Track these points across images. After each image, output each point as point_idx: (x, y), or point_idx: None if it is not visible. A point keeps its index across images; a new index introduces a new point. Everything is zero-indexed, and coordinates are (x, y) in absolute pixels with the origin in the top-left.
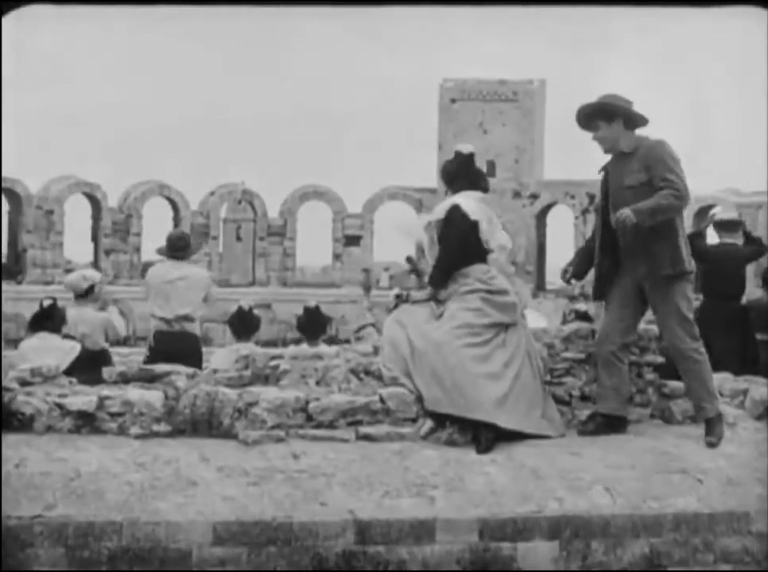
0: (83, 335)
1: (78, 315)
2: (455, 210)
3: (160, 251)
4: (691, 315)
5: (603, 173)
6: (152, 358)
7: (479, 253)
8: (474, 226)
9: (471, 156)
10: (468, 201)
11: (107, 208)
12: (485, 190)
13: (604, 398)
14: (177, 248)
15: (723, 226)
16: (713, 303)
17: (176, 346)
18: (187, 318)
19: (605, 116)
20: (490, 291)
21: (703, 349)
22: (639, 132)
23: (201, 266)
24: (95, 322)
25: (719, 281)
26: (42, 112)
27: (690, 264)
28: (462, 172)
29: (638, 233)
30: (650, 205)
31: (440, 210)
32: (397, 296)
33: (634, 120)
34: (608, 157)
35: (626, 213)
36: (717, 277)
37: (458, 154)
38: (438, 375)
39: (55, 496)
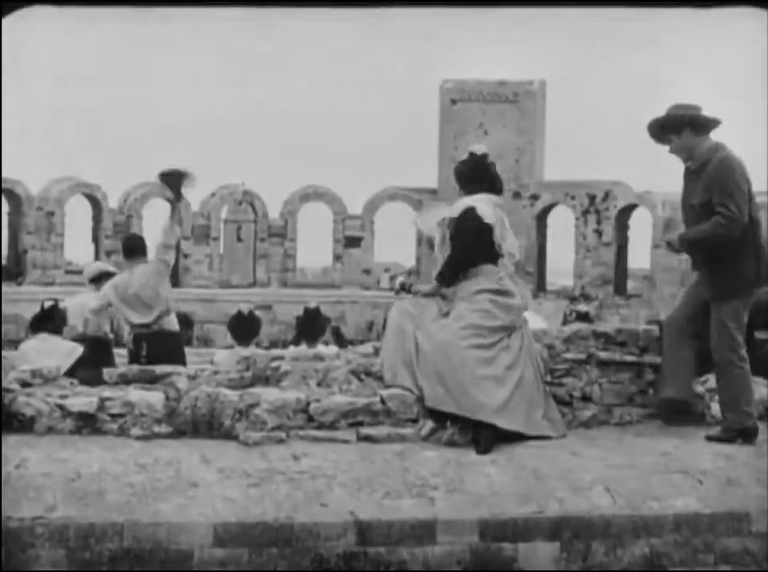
0: (87, 320)
1: (85, 300)
2: (470, 212)
3: (127, 253)
4: (735, 328)
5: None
6: (133, 361)
7: (490, 255)
8: (489, 229)
9: (485, 156)
10: (484, 204)
11: (108, 209)
12: (500, 191)
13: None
14: (139, 247)
15: None
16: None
17: (157, 346)
18: (161, 315)
19: (672, 128)
20: (498, 292)
21: (740, 363)
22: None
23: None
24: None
25: None
26: (42, 112)
27: (752, 281)
28: (476, 174)
29: (693, 255)
30: (696, 235)
31: (455, 209)
32: (402, 285)
33: (703, 125)
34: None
35: (672, 239)
36: None
37: (472, 155)
38: (441, 374)
39: (56, 497)
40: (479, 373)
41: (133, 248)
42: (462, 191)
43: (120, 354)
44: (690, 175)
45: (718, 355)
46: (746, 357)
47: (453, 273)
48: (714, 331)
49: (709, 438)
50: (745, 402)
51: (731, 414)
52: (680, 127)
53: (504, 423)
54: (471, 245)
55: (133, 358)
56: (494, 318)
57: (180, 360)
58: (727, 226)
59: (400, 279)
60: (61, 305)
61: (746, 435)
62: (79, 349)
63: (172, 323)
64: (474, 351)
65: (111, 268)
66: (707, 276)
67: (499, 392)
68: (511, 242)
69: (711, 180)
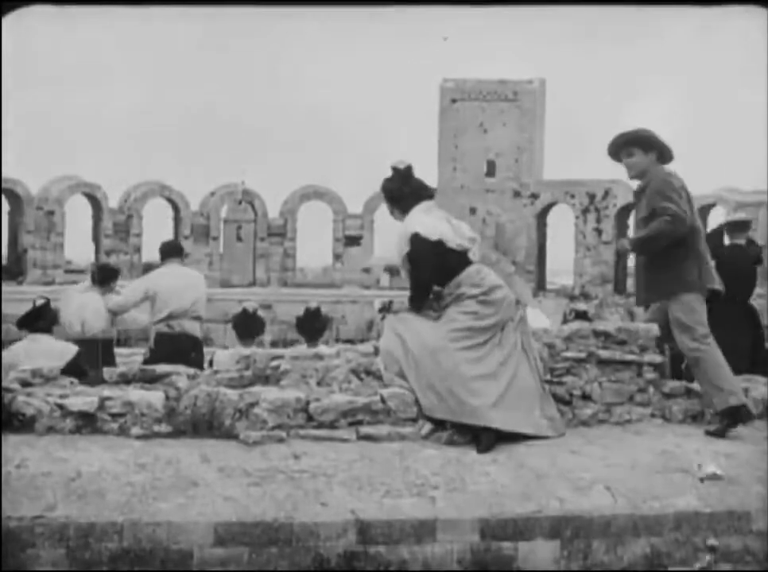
0: (85, 320)
1: (86, 301)
2: (416, 239)
3: (165, 256)
4: (693, 321)
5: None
6: (152, 360)
7: (460, 260)
8: (440, 244)
9: (409, 169)
10: (423, 220)
11: (108, 209)
12: (430, 197)
13: None
14: (176, 250)
15: (735, 227)
16: (724, 302)
17: (176, 348)
18: (185, 314)
19: (644, 145)
20: (485, 293)
21: (704, 345)
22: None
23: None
24: (101, 308)
25: (731, 281)
26: (42, 112)
27: (697, 280)
28: (406, 189)
29: (639, 260)
30: (648, 233)
31: (403, 243)
32: (380, 309)
33: (665, 155)
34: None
35: (622, 242)
36: (728, 277)
37: (396, 170)
38: (433, 381)
39: (56, 496)
40: (470, 374)
41: (170, 251)
42: (395, 209)
43: (120, 354)
44: (639, 193)
45: (684, 349)
46: (710, 340)
47: (419, 299)
48: (674, 331)
49: (708, 433)
50: (721, 378)
51: (715, 397)
52: (651, 147)
53: (500, 423)
54: (428, 269)
55: (153, 357)
56: (483, 317)
57: (199, 365)
58: (672, 222)
59: (377, 304)
60: (53, 304)
61: (739, 416)
62: (73, 349)
63: (195, 329)
64: (464, 353)
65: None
66: (655, 277)
67: (493, 388)
68: (465, 230)
69: (650, 194)
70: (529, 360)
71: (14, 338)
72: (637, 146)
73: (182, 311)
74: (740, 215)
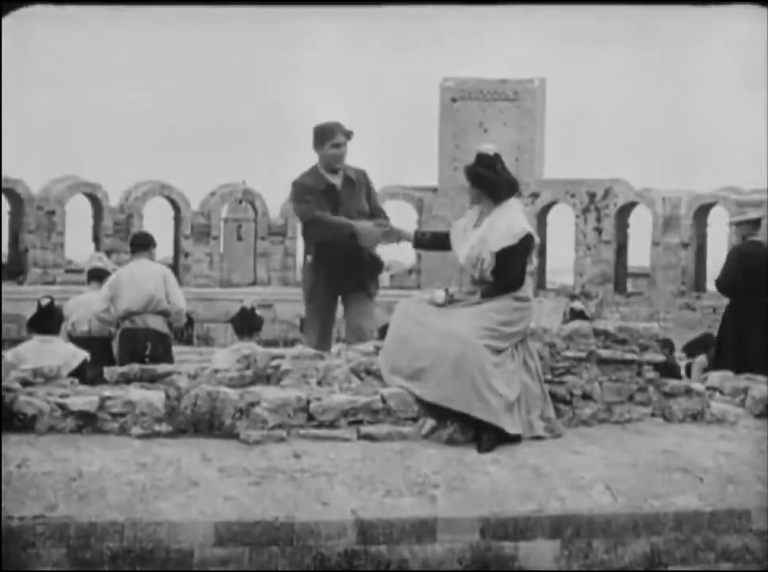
0: (90, 321)
1: (91, 299)
2: (528, 239)
3: (135, 249)
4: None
5: (326, 186)
6: (119, 356)
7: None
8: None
9: (498, 155)
10: (525, 217)
11: (108, 208)
12: (519, 192)
13: None
14: (148, 243)
15: (749, 225)
16: (745, 300)
17: (141, 344)
18: (155, 307)
19: (347, 134)
20: (520, 299)
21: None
22: None
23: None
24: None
25: (751, 277)
26: (42, 112)
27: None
28: (501, 177)
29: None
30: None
31: (509, 236)
32: (441, 304)
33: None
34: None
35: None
36: (748, 274)
37: (485, 157)
38: (459, 370)
39: (56, 496)
40: (491, 373)
41: (142, 244)
42: (487, 197)
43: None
44: (345, 183)
45: (365, 326)
46: None
47: (506, 292)
48: (359, 312)
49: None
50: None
51: None
52: (349, 136)
53: (509, 426)
54: (524, 269)
55: (119, 354)
56: (512, 324)
57: (165, 360)
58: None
59: (440, 294)
60: (57, 303)
61: None
62: (81, 355)
63: (160, 324)
64: (488, 351)
65: (110, 267)
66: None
67: (508, 394)
68: None
69: (369, 189)
70: (529, 363)
71: (14, 337)
72: (345, 135)
73: (139, 306)
74: (752, 213)
